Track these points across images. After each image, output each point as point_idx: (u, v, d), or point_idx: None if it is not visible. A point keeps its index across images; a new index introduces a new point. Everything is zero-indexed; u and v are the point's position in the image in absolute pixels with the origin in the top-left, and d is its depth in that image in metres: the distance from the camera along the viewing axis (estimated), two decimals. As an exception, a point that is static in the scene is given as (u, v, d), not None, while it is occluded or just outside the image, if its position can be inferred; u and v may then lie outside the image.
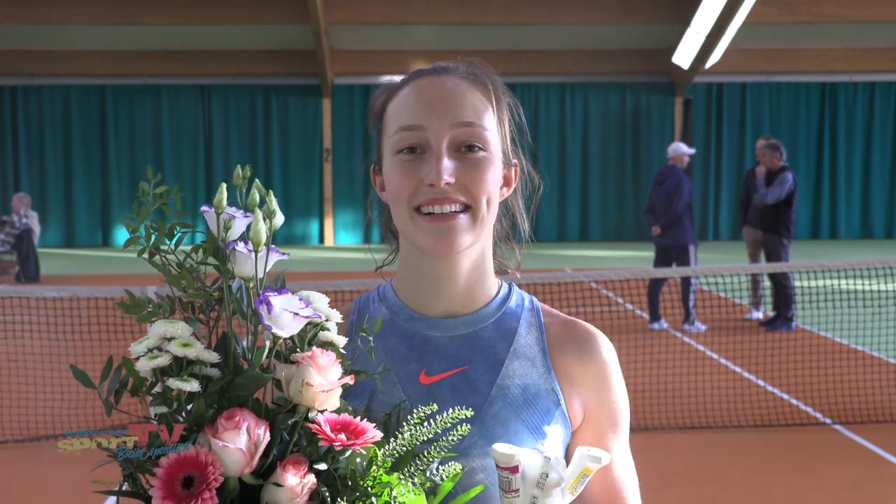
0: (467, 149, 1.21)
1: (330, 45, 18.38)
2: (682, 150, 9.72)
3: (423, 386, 1.25)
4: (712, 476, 5.20)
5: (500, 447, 1.10)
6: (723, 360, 8.02)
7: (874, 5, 17.16)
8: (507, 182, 1.29)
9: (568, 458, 1.28)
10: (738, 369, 7.66)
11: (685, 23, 17.74)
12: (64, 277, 14.19)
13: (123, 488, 0.98)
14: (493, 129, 1.24)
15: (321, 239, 20.28)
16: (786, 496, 4.87)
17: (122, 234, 18.92)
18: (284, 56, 19.18)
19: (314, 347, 1.02)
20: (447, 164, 1.19)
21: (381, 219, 1.38)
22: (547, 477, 1.09)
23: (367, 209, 1.39)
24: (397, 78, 1.31)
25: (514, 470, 1.09)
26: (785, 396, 6.76)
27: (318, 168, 20.20)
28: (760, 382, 7.22)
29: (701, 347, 8.53)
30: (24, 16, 16.86)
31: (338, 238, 20.15)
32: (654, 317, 9.53)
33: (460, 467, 1.07)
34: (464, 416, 1.07)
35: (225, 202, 1.03)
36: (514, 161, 1.31)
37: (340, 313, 1.16)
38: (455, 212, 1.21)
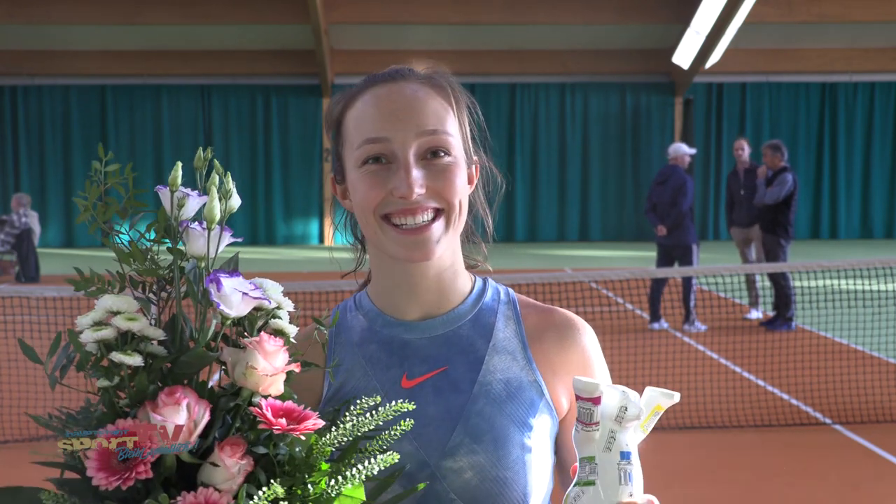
0: (433, 155, 1.21)
1: (330, 45, 18.38)
2: (682, 150, 9.77)
3: (404, 390, 1.24)
4: (712, 476, 5.20)
5: (582, 377, 1.08)
6: (723, 360, 8.01)
7: (874, 5, 17.15)
8: (468, 180, 1.30)
9: (560, 451, 1.28)
10: (738, 369, 7.66)
11: (685, 23, 17.73)
12: (64, 277, 14.18)
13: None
14: (455, 132, 1.24)
15: (321, 239, 20.27)
16: (785, 496, 4.87)
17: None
18: (284, 56, 19.17)
19: (263, 333, 1.02)
20: (417, 175, 1.19)
21: (346, 224, 1.39)
22: (626, 410, 1.07)
23: (332, 215, 1.39)
24: (354, 81, 1.31)
25: (597, 401, 1.06)
26: (785, 396, 6.76)
27: (318, 168, 20.19)
28: (760, 382, 7.22)
29: (701, 347, 8.53)
30: (24, 16, 16.85)
31: (338, 238, 20.14)
32: (655, 317, 9.53)
33: (398, 456, 1.03)
34: (405, 409, 1.05)
35: (179, 181, 1.03)
36: (475, 158, 1.31)
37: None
38: (427, 222, 1.21)
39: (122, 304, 0.98)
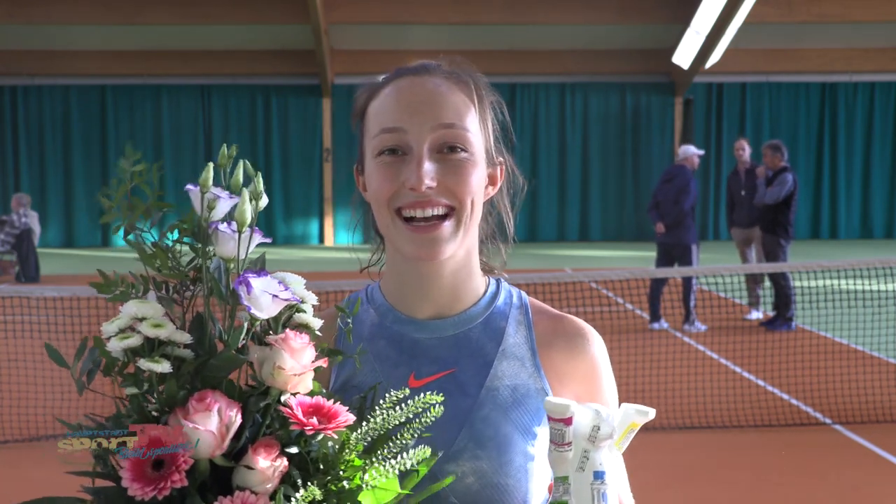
0: (449, 150, 1.20)
1: (330, 45, 18.38)
2: (691, 151, 9.82)
3: (412, 390, 1.23)
4: (712, 476, 5.20)
5: (553, 398, 1.08)
6: (723, 360, 8.02)
7: (874, 5, 17.15)
8: (492, 181, 1.28)
9: None
10: (738, 369, 7.66)
11: (685, 23, 17.73)
12: (64, 277, 14.18)
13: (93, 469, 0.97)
14: (476, 129, 1.23)
15: (321, 239, 20.28)
16: (785, 496, 4.87)
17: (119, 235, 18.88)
18: (284, 56, 19.18)
19: (287, 330, 1.01)
20: (428, 167, 1.18)
21: (364, 218, 1.37)
22: (599, 430, 1.07)
23: (352, 210, 1.38)
24: (381, 76, 1.29)
25: (568, 422, 1.06)
26: (785, 396, 6.76)
27: (318, 168, 20.20)
28: (760, 382, 7.22)
29: (701, 347, 8.53)
30: (24, 16, 16.85)
31: (338, 238, 20.15)
32: (655, 317, 9.53)
33: (430, 450, 1.04)
34: (436, 401, 1.05)
35: (211, 181, 1.02)
36: (499, 159, 1.30)
37: (327, 315, 1.16)
38: (438, 216, 1.20)
39: (148, 309, 0.97)
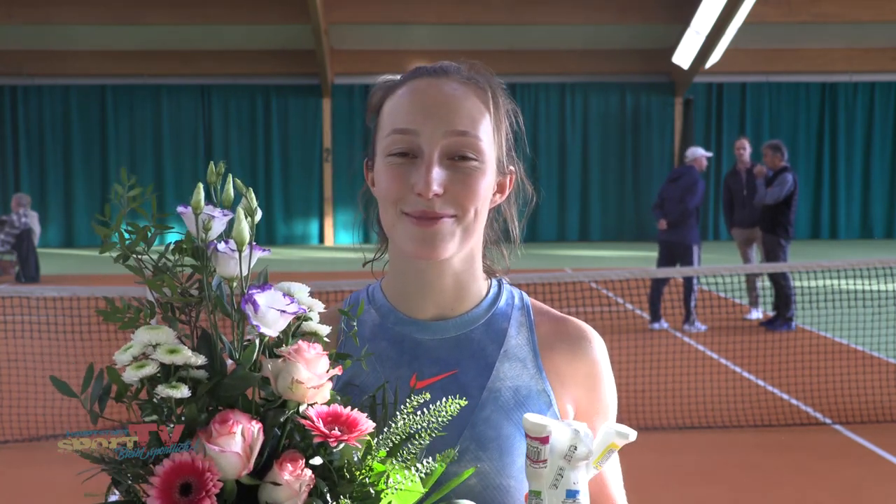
0: (460, 158, 1.19)
1: (330, 45, 18.38)
2: (699, 153, 9.85)
3: (414, 391, 1.24)
4: (712, 476, 5.20)
5: (531, 417, 1.08)
6: (723, 360, 8.02)
7: (874, 5, 17.16)
8: (500, 189, 1.28)
9: None
10: (738, 369, 7.66)
11: (685, 23, 17.74)
12: (64, 277, 14.19)
13: (112, 496, 0.97)
14: (489, 137, 1.22)
15: (321, 239, 20.28)
16: (786, 496, 4.87)
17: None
18: (284, 56, 19.18)
19: (299, 341, 1.00)
20: (437, 173, 1.17)
21: (367, 214, 1.36)
22: (575, 450, 1.08)
23: (359, 206, 1.38)
24: (398, 76, 1.29)
25: (545, 440, 1.07)
26: (785, 396, 6.76)
27: (318, 168, 20.20)
28: (760, 382, 7.22)
29: (701, 347, 8.53)
30: (24, 16, 16.86)
31: (338, 238, 20.15)
32: (655, 317, 9.53)
33: (455, 451, 1.05)
34: (460, 404, 1.06)
35: (203, 202, 1.01)
36: (510, 168, 1.30)
37: (328, 316, 1.16)
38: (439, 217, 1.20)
39: (161, 336, 0.96)
